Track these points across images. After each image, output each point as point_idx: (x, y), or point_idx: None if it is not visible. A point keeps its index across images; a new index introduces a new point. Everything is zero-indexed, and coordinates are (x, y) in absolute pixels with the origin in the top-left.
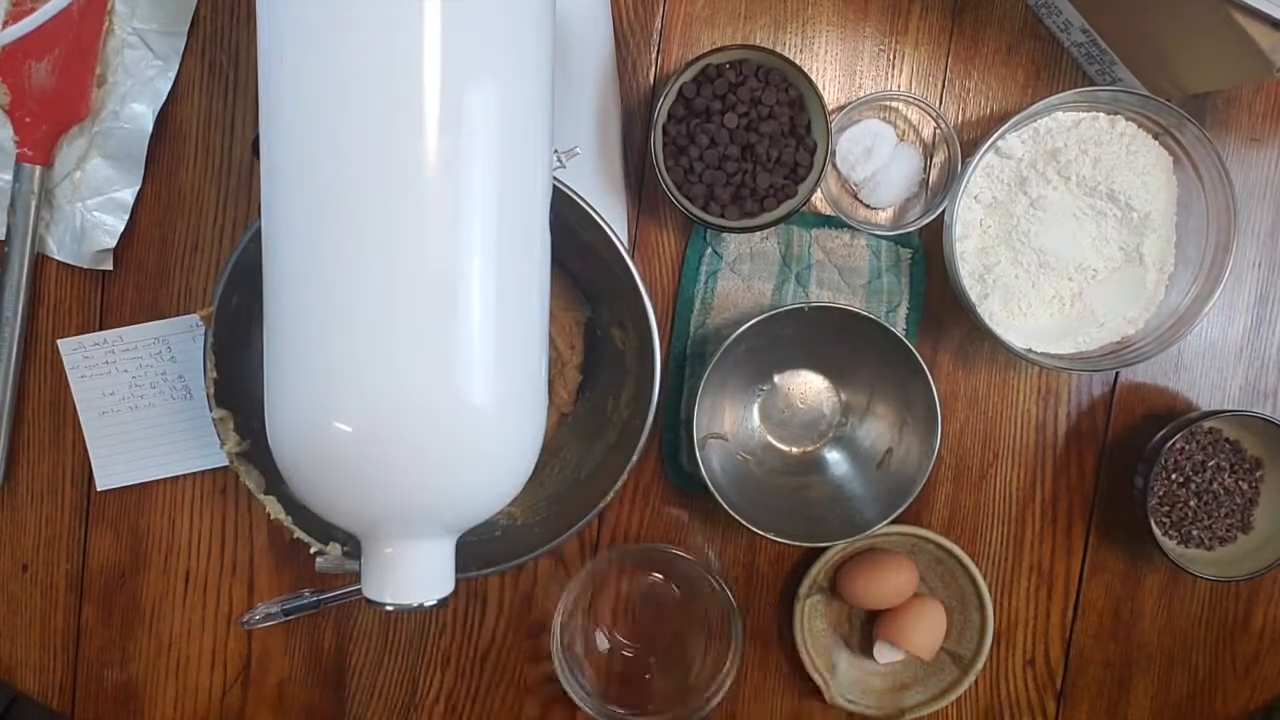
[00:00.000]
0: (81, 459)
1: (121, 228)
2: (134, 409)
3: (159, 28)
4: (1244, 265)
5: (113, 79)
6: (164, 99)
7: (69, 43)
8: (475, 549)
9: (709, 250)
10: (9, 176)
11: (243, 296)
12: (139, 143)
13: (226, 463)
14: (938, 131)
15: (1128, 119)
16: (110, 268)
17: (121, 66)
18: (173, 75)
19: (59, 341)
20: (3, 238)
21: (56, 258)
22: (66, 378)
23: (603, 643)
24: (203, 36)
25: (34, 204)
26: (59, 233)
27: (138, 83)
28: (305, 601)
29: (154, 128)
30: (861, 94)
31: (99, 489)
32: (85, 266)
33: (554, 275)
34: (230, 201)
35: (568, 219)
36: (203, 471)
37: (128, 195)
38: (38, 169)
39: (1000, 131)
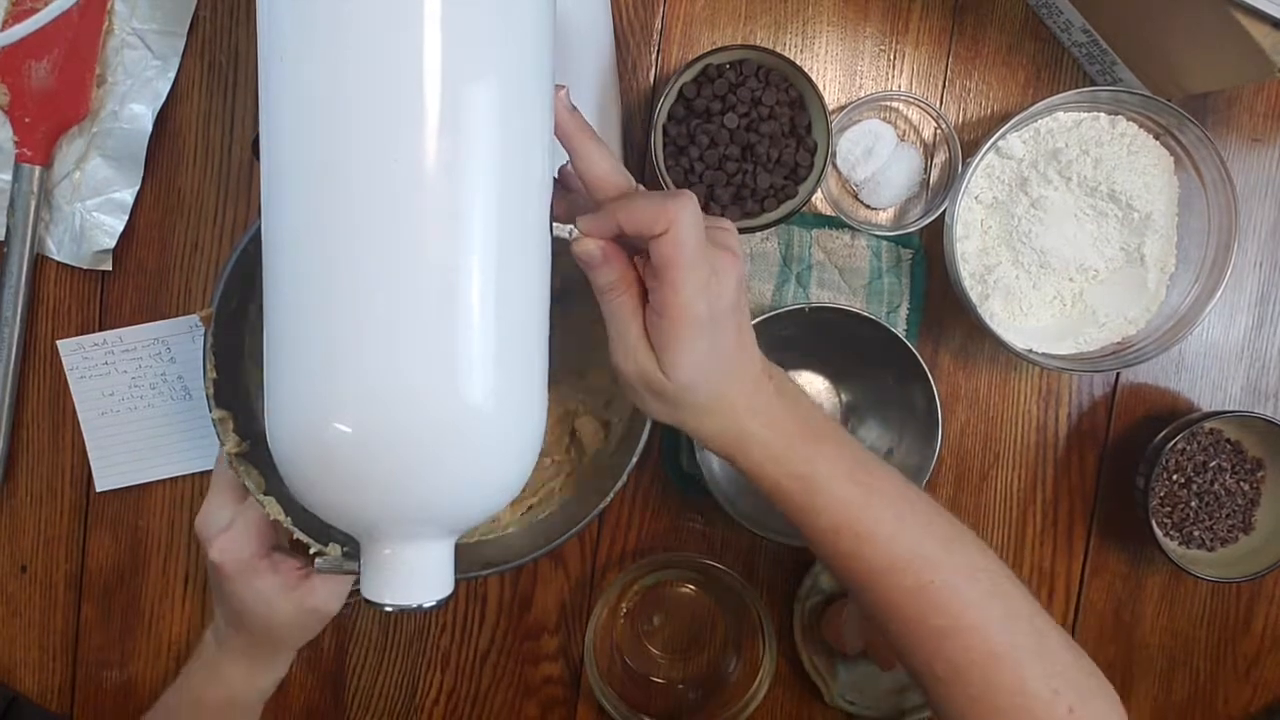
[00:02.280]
0: (81, 460)
1: (121, 228)
2: (133, 410)
3: (158, 28)
4: (1245, 265)
5: (112, 79)
6: (163, 99)
7: (68, 43)
8: (475, 549)
9: None
10: (8, 177)
11: (242, 297)
12: (138, 143)
13: None
14: (938, 132)
15: (1129, 119)
16: (109, 268)
17: (121, 66)
18: (172, 75)
19: (58, 342)
20: (2, 238)
21: (56, 258)
22: (66, 378)
23: (636, 653)
24: (202, 36)
25: (33, 204)
26: (58, 233)
27: (137, 83)
28: None
29: (153, 128)
30: (862, 94)
31: (98, 490)
32: (84, 267)
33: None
34: (230, 202)
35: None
36: (202, 472)
37: (127, 196)
38: (37, 169)
39: (1001, 132)
